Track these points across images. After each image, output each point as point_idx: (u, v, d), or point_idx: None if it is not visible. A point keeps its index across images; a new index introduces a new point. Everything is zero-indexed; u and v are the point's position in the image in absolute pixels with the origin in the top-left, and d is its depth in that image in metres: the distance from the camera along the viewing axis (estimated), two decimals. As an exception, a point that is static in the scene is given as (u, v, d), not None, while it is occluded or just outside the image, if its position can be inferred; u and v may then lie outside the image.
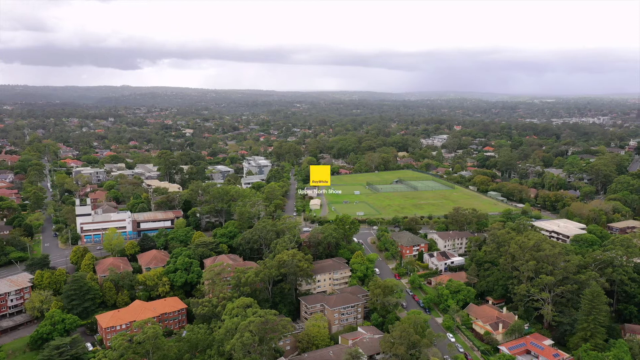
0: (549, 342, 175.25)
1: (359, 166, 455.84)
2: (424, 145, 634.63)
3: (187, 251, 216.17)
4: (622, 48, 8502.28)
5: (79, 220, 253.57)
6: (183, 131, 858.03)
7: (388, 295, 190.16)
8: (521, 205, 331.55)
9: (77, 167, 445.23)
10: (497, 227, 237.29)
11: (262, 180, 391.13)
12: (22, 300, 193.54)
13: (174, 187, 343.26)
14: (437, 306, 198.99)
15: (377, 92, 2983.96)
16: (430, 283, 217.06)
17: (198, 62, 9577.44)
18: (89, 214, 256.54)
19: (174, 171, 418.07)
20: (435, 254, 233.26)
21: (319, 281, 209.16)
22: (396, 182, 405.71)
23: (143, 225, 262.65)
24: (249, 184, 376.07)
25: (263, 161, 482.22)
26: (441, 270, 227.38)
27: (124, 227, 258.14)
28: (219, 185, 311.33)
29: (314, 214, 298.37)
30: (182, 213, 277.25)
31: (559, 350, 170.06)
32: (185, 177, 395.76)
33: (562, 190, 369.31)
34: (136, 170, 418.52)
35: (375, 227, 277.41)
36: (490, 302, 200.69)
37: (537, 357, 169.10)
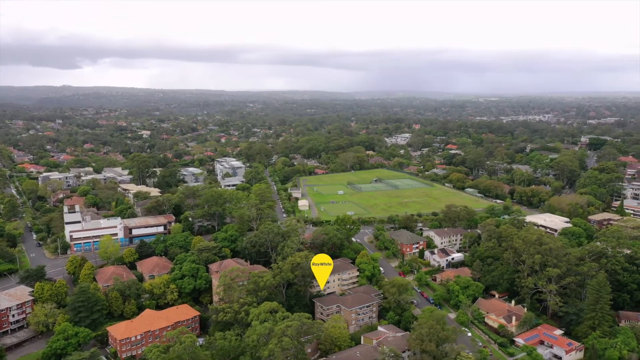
0: (559, 332, 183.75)
1: (335, 166, 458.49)
2: (389, 144, 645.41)
3: (191, 257, 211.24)
4: (555, 49, 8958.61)
5: (68, 228, 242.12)
6: (139, 133, 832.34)
7: (403, 293, 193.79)
8: (500, 201, 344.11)
9: (41, 172, 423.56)
10: (491, 224, 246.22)
11: (242, 182, 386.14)
12: (24, 315, 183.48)
13: (154, 191, 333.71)
14: (447, 302, 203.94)
15: (328, 92, 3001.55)
16: (435, 280, 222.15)
17: (142, 61, 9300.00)
18: (79, 222, 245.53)
19: (147, 174, 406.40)
20: (435, 251, 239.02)
21: (328, 282, 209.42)
22: (375, 181, 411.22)
23: (135, 232, 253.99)
24: (229, 186, 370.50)
25: (235, 162, 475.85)
26: (443, 267, 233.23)
27: (116, 234, 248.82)
28: (201, 188, 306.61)
29: (305, 215, 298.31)
30: (174, 218, 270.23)
31: (570, 339, 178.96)
32: (160, 181, 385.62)
33: (531, 185, 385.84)
34: (106, 174, 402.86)
35: (369, 227, 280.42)
36: (496, 296, 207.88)
37: (551, 347, 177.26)
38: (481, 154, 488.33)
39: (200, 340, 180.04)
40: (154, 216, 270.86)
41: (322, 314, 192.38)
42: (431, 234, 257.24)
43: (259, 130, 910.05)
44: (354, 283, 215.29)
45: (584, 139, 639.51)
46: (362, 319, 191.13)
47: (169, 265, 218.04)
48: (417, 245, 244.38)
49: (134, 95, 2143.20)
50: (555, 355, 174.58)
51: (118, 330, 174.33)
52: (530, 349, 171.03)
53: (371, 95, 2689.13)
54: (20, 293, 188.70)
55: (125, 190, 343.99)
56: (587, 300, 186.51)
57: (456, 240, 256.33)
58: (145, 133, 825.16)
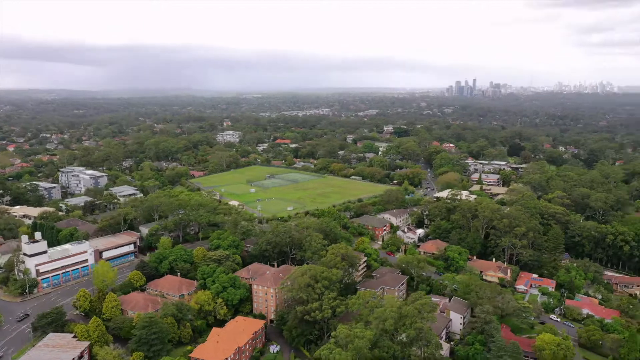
0: (535, 276, 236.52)
1: (212, 166, 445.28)
2: (222, 142, 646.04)
3: (220, 268, 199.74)
4: (295, 50, 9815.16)
5: (32, 261, 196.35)
6: None
7: (424, 267, 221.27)
8: (392, 184, 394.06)
9: None
10: (431, 202, 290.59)
11: (135, 190, 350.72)
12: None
13: (33, 211, 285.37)
14: (447, 270, 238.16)
15: (75, 90, 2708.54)
16: (420, 253, 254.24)
17: None
18: (45, 252, 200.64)
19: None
20: (405, 229, 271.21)
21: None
22: (269, 177, 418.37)
23: (106, 254, 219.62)
24: (124, 196, 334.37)
25: (92, 172, 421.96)
26: (415, 242, 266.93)
27: (86, 261, 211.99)
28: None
29: (255, 215, 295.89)
30: (138, 234, 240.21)
31: (546, 279, 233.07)
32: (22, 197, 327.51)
33: (396, 170, 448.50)
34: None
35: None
36: (474, 258, 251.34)
37: (538, 287, 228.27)
38: (333, 145, 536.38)
39: (274, 348, 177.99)
40: (116, 235, 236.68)
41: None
42: (387, 216, 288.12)
43: (48, 135, 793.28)
44: (363, 268, 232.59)
45: (388, 127, 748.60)
46: (401, 296, 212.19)
47: (189, 281, 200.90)
48: (385, 227, 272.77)
49: None
50: (544, 293, 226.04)
51: (209, 355, 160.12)
52: (543, 290, 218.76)
53: (123, 93, 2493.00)
54: (64, 341, 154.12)
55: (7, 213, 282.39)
56: (546, 249, 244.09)
57: (407, 219, 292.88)
58: None
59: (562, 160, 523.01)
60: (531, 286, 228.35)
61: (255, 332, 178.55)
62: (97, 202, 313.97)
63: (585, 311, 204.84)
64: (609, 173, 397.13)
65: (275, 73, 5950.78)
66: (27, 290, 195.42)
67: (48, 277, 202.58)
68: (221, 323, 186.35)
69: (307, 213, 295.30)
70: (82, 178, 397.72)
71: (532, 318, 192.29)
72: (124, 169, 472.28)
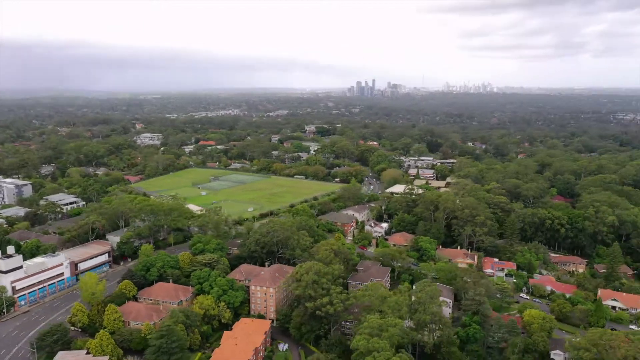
0: (496, 260, 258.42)
1: (150, 170, 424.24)
2: (143, 145, 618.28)
3: (215, 271, 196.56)
4: (189, 49, 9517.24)
5: (8, 278, 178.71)
6: None
7: (405, 258, 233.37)
8: (329, 183, 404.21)
9: None
10: (390, 197, 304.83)
11: (76, 199, 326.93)
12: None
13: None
14: (420, 260, 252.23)
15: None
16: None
17: None
18: (21, 267, 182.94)
19: None
20: (372, 223, 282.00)
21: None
22: (213, 179, 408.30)
23: (82, 266, 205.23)
24: (66, 205, 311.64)
25: (10, 180, 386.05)
26: (383, 235, 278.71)
27: (62, 275, 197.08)
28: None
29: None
30: (109, 243, 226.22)
31: (508, 262, 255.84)
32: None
33: (336, 168, 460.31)
34: None
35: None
36: (440, 247, 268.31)
37: (502, 270, 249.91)
38: (269, 146, 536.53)
39: (283, 346, 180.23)
40: (86, 245, 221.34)
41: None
42: (350, 212, 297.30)
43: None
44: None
45: (311, 127, 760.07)
46: (388, 286, 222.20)
47: (184, 287, 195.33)
48: (352, 223, 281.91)
49: None
50: (510, 274, 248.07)
51: (232, 357, 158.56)
52: (513, 272, 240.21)
53: (7, 94, 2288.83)
54: (81, 358, 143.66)
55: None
56: (506, 233, 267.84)
57: (368, 214, 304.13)
58: None
59: (477, 156, 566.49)
60: (496, 270, 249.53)
61: (266, 332, 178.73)
62: (39, 212, 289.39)
63: (549, 288, 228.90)
64: (526, 165, 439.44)
65: (172, 73, 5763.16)
66: (4, 310, 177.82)
67: (24, 294, 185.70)
68: (225, 327, 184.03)
69: (271, 213, 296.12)
70: (5, 187, 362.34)
71: (512, 297, 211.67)
72: (44, 175, 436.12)
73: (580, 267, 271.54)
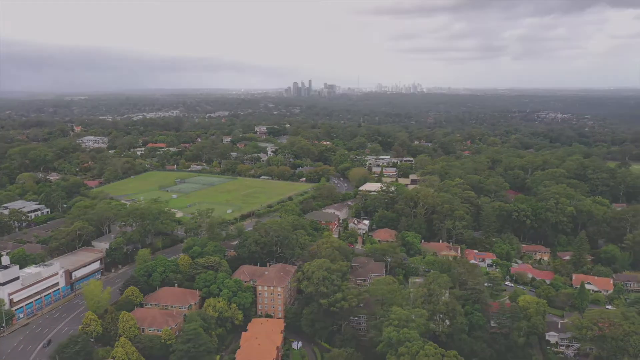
0: (476, 251, 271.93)
1: (109, 174, 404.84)
2: (89, 148, 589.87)
3: (221, 274, 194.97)
4: (109, 47, 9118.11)
5: (5, 290, 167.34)
6: None
7: (398, 253, 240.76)
8: (297, 183, 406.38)
9: None
10: (367, 195, 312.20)
11: (38, 204, 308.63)
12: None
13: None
14: (406, 254, 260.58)
15: None
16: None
17: None
18: (18, 278, 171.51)
19: None
20: (355, 221, 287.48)
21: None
22: (179, 182, 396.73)
23: (76, 275, 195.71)
24: (30, 212, 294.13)
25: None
26: (367, 232, 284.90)
27: (57, 284, 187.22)
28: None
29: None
30: (101, 250, 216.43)
31: (488, 253, 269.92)
32: None
33: (299, 168, 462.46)
34: None
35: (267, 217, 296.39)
36: (422, 241, 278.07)
37: (483, 260, 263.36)
38: (225, 148, 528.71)
39: (297, 344, 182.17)
40: (75, 253, 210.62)
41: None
42: (331, 210, 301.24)
43: None
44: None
45: (260, 128, 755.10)
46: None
47: (191, 291, 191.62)
48: (336, 221, 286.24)
49: None
50: (489, 265, 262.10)
51: (257, 358, 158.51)
52: (497, 262, 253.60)
53: None
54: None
55: None
56: (483, 225, 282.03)
57: (348, 212, 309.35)
58: None
59: (429, 154, 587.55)
60: (478, 260, 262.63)
61: (282, 331, 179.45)
62: (4, 221, 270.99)
63: (530, 275, 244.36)
64: (480, 162, 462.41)
65: (94, 73, 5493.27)
66: (3, 324, 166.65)
67: (22, 307, 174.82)
68: (238, 328, 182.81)
69: (252, 214, 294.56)
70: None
71: (503, 285, 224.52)
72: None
73: (544, 255, 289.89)
